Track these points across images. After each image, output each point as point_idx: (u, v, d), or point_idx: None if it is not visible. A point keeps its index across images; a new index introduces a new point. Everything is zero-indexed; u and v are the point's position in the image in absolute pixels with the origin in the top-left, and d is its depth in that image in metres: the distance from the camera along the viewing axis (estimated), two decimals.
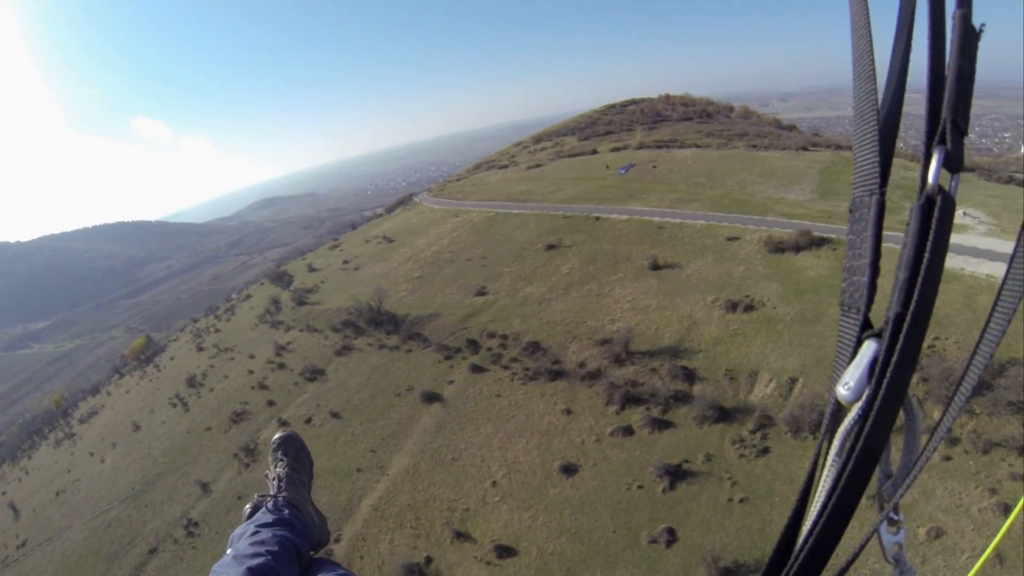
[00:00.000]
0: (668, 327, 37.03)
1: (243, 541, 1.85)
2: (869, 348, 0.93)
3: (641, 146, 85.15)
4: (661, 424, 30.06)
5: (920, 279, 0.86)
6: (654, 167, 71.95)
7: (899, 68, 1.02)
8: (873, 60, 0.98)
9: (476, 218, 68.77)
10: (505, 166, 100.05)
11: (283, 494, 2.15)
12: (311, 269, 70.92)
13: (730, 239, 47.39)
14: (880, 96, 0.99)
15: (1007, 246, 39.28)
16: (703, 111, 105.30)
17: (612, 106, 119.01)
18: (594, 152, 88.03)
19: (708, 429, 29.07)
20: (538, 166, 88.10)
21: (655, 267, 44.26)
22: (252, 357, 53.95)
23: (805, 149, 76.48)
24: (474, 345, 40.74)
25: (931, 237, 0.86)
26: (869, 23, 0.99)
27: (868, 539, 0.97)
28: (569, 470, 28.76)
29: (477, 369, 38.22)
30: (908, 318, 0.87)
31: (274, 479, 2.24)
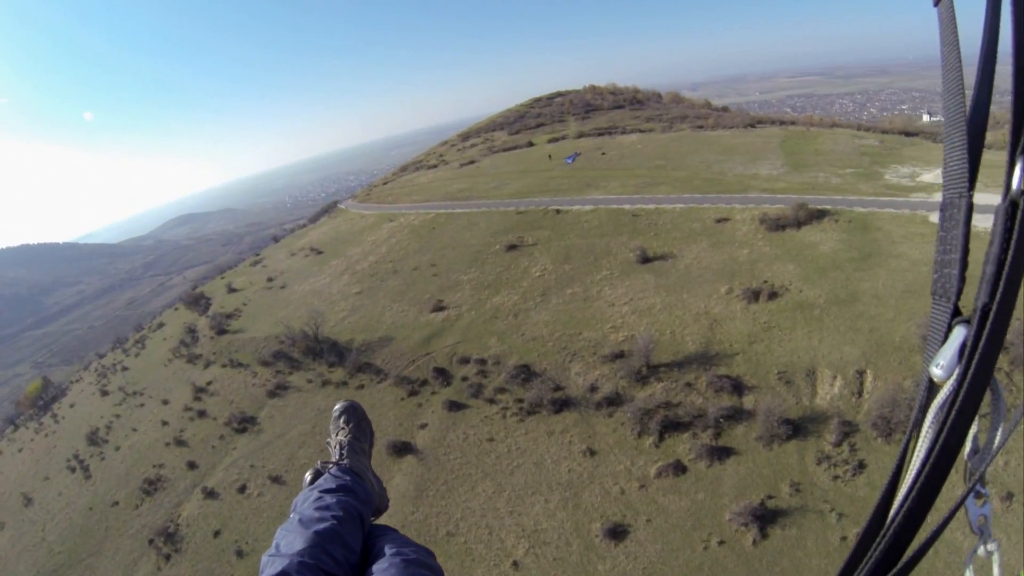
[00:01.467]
0: (685, 329, 32.02)
1: (307, 506, 1.90)
2: (959, 333, 1.04)
3: (580, 135, 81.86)
4: (718, 453, 24.45)
5: (1004, 274, 0.98)
6: (603, 154, 68.50)
7: (985, 80, 1.10)
8: (962, 73, 1.08)
9: (415, 221, 61.42)
10: (435, 165, 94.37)
11: (345, 461, 2.24)
12: (231, 290, 61.46)
13: (720, 220, 43.90)
14: (968, 106, 1.09)
15: (991, 199, 41.20)
16: (633, 99, 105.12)
17: (538, 99, 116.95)
18: (530, 144, 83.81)
19: (780, 450, 23.86)
20: (472, 163, 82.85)
21: (645, 259, 39.47)
22: (166, 403, 43.53)
23: (752, 126, 76.79)
24: (444, 375, 33.30)
25: (1014, 237, 0.99)
26: (957, 37, 1.08)
27: (956, 509, 1.06)
28: (616, 533, 22.19)
29: (455, 406, 30.80)
30: (994, 308, 0.98)
31: (336, 446, 2.32)
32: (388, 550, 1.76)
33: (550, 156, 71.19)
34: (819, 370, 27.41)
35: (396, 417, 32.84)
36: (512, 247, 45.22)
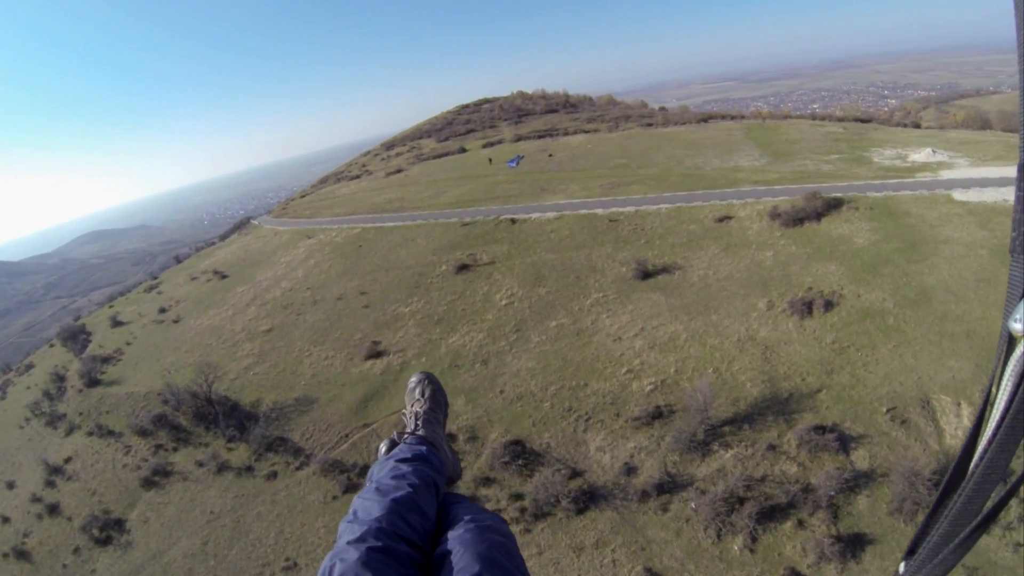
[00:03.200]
0: (732, 364, 24.07)
1: (384, 474, 1.97)
2: None
3: (518, 138, 74.38)
4: (848, 545, 16.38)
5: None
6: (550, 156, 61.11)
7: None
8: None
9: (337, 238, 50.65)
10: (358, 176, 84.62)
11: (420, 431, 2.33)
12: (116, 323, 49.84)
13: (721, 220, 37.09)
14: None
15: (995, 172, 38.26)
16: (566, 102, 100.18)
17: (465, 106, 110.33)
18: (462, 150, 75.31)
19: None
20: (399, 171, 73.73)
21: (645, 274, 31.54)
22: (11, 487, 30.68)
23: (705, 121, 72.92)
24: None
25: None
26: None
27: None
28: None
29: None
30: None
31: (411, 416, 2.42)
32: (463, 517, 1.80)
33: (490, 160, 62.93)
34: (934, 398, 20.22)
35: (326, 528, 22.47)
36: (464, 267, 36.00)
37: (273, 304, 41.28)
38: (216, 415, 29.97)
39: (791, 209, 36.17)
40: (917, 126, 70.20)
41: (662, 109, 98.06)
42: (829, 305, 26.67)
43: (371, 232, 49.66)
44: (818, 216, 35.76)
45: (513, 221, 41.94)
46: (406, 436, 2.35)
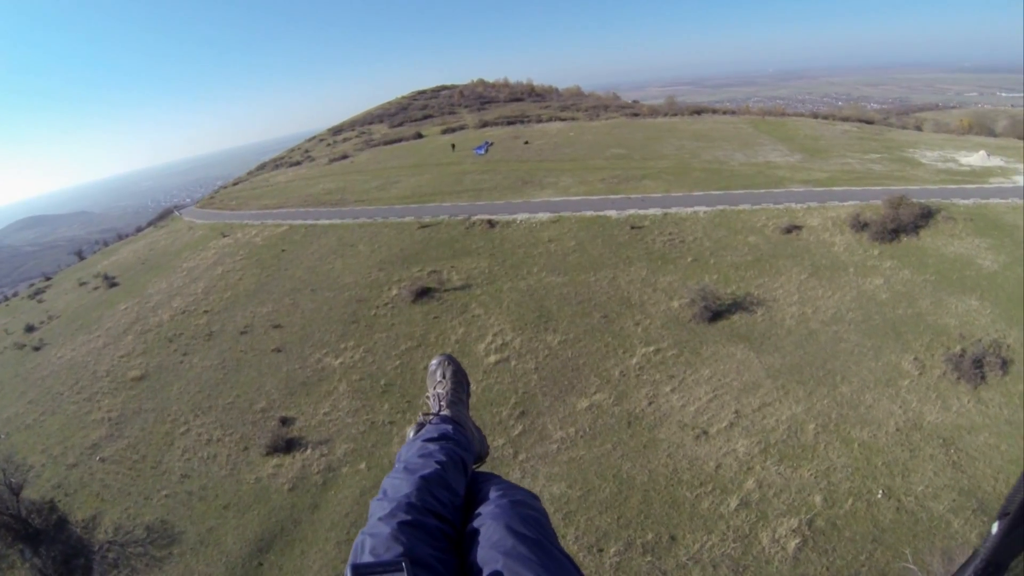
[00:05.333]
0: (909, 478, 12.76)
1: (412, 454, 1.96)
2: None
3: (483, 124, 62.22)
4: None
5: None
6: (526, 143, 49.36)
7: None
8: None
9: (257, 238, 37.55)
10: (298, 163, 70.71)
11: (445, 411, 2.29)
12: None
13: (790, 230, 26.37)
14: None
15: None
16: (531, 91, 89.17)
17: (422, 92, 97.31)
18: (419, 136, 62.19)
19: None
20: (345, 157, 60.50)
21: (714, 314, 20.56)
22: None
23: (697, 113, 63.57)
24: None
25: None
26: None
27: None
28: None
29: None
30: None
31: (435, 398, 2.37)
32: (494, 492, 1.78)
33: (453, 146, 50.46)
34: None
35: None
36: (424, 292, 23.60)
37: (156, 334, 27.94)
38: (30, 533, 16.86)
39: (880, 218, 26.08)
40: (919, 129, 63.37)
41: (635, 103, 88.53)
42: (1006, 364, 16.41)
43: (300, 232, 36.52)
44: (916, 228, 26.11)
45: (492, 224, 29.82)
46: (431, 417, 2.23)
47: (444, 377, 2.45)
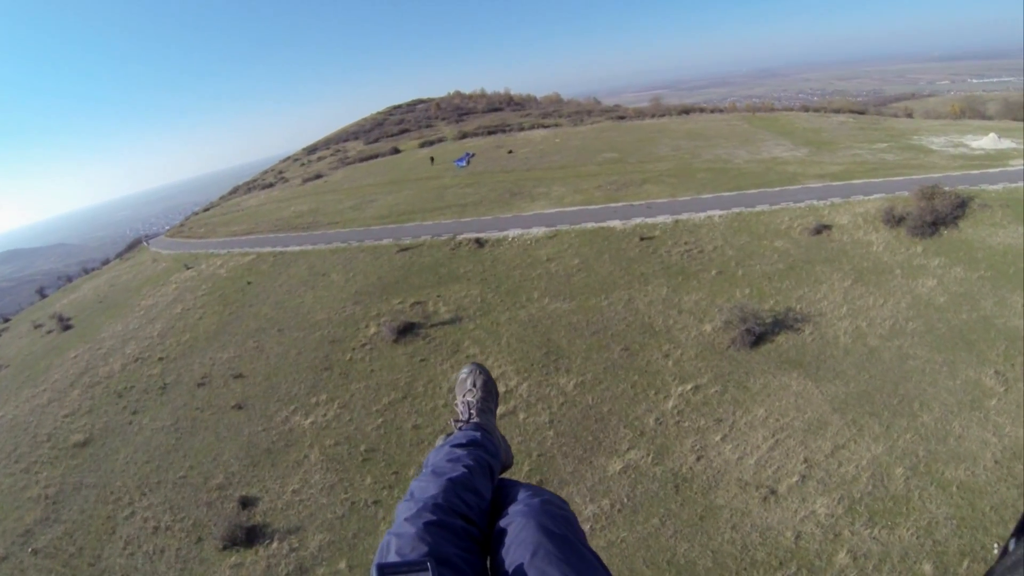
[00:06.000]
0: None
1: (440, 459, 1.97)
2: None
3: (463, 135, 59.08)
4: None
5: None
6: (509, 152, 46.28)
7: None
8: None
9: (222, 269, 33.90)
10: (271, 184, 67.12)
11: (475, 419, 2.32)
12: None
13: (819, 231, 23.33)
14: None
15: None
16: (510, 100, 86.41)
17: (398, 106, 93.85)
18: (396, 151, 58.74)
19: None
20: (318, 176, 57.05)
21: (756, 338, 17.24)
22: None
23: (686, 113, 61.09)
24: None
25: None
26: None
27: None
28: None
29: None
30: None
31: (464, 406, 2.40)
32: (523, 493, 1.79)
33: (432, 159, 47.16)
34: None
35: None
36: (407, 329, 20.09)
37: (105, 388, 24.10)
38: None
39: (917, 211, 23.33)
40: (910, 116, 61.63)
41: (617, 106, 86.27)
42: None
43: (267, 261, 32.94)
44: (955, 219, 23.45)
45: (480, 243, 26.45)
46: (460, 425, 2.30)
47: (475, 386, 2.44)
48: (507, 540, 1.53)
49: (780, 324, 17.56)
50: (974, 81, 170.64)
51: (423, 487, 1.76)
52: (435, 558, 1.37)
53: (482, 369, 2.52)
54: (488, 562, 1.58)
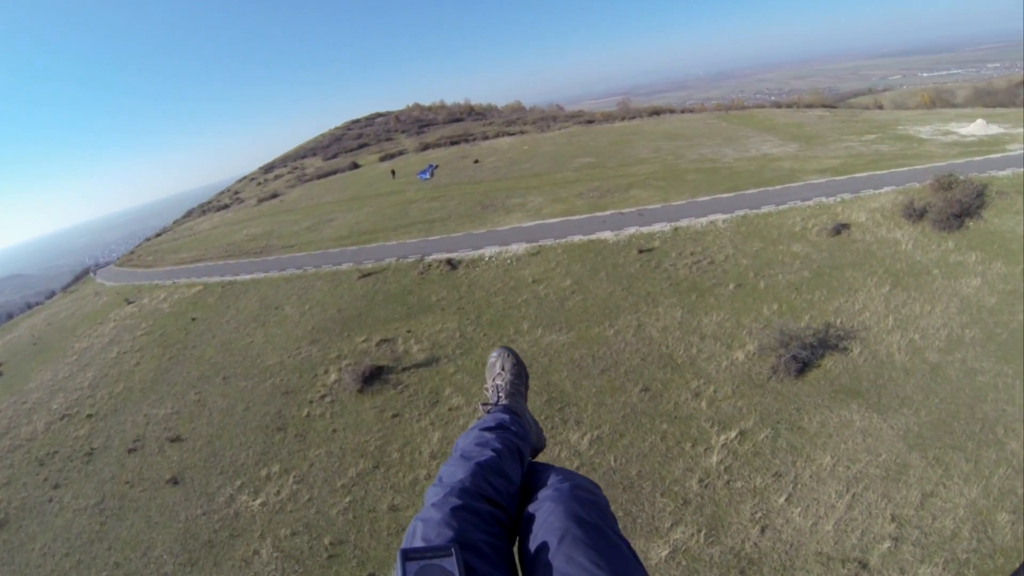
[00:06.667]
0: None
1: (468, 442, 1.95)
2: None
3: (424, 147, 55.90)
4: None
5: None
6: (475, 162, 43.21)
7: None
8: None
9: (166, 303, 30.05)
10: (226, 205, 63.18)
11: (504, 402, 2.29)
12: None
13: (837, 230, 20.98)
14: None
15: None
16: (470, 111, 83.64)
17: (356, 121, 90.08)
18: (355, 166, 55.15)
19: None
20: (275, 196, 53.40)
21: (801, 365, 14.11)
22: None
23: (656, 114, 59.22)
24: None
25: None
26: None
27: None
28: None
29: None
30: None
31: (493, 389, 2.37)
32: (554, 477, 1.74)
33: (393, 173, 43.67)
34: None
35: None
36: (373, 375, 16.46)
37: (26, 453, 20.08)
38: None
39: (940, 203, 21.20)
40: (881, 107, 61.26)
41: (581, 112, 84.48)
42: None
43: (215, 293, 29.18)
44: (979, 208, 21.51)
45: (453, 264, 23.15)
46: (488, 408, 2.25)
47: (503, 369, 2.41)
48: (535, 526, 1.48)
49: (823, 344, 14.78)
50: (925, 75, 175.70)
51: (451, 472, 1.71)
52: (460, 543, 1.33)
53: (511, 352, 2.45)
54: (516, 547, 1.53)
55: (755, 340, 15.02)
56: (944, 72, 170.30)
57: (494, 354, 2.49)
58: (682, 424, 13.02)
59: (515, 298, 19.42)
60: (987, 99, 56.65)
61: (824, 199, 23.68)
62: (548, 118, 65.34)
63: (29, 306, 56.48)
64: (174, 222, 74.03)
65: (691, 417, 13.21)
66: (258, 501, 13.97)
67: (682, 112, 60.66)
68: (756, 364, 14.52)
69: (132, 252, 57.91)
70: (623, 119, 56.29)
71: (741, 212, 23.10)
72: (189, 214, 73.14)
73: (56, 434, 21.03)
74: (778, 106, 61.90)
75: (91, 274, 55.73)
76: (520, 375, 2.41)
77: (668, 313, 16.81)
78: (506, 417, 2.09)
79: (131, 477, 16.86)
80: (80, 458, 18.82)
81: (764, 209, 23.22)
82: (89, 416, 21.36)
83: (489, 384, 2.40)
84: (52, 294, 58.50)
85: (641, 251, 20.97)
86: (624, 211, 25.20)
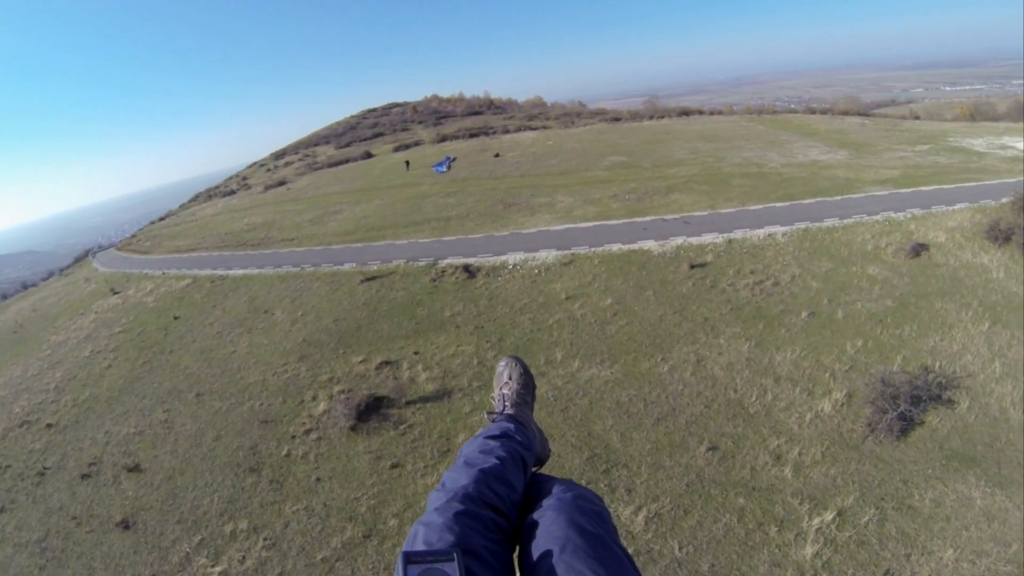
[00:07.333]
0: None
1: (472, 450, 1.94)
2: None
3: (442, 138, 52.93)
4: None
5: None
6: (496, 156, 40.21)
7: None
8: None
9: (151, 296, 27.65)
10: (233, 191, 60.73)
11: (509, 411, 2.26)
12: None
13: (916, 252, 17.87)
14: None
15: None
16: (489, 104, 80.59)
17: (372, 110, 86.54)
18: (368, 155, 52.27)
19: None
20: (282, 183, 50.63)
21: (906, 422, 11.59)
22: None
23: (686, 115, 56.09)
24: None
25: None
26: None
27: None
28: None
29: None
30: None
31: (500, 398, 2.35)
32: (557, 487, 1.75)
33: (407, 164, 40.84)
34: None
35: None
36: (370, 408, 13.51)
37: None
38: None
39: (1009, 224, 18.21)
40: (917, 118, 58.00)
41: (604, 110, 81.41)
42: None
43: (204, 288, 26.66)
44: None
45: (470, 272, 20.29)
46: (495, 416, 2.22)
47: (511, 378, 2.41)
48: (537, 534, 1.48)
49: (924, 393, 11.83)
50: (947, 89, 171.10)
51: (455, 477, 1.71)
52: (462, 549, 1.32)
53: (519, 361, 2.44)
54: (516, 555, 1.53)
55: (841, 385, 12.12)
56: (968, 87, 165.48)
57: (502, 363, 2.45)
58: (763, 499, 10.10)
59: (545, 318, 16.50)
60: None
61: (892, 214, 20.68)
62: (572, 114, 62.32)
63: (25, 286, 54.29)
64: (180, 206, 71.85)
65: (774, 489, 10.29)
66: (218, 568, 11.11)
67: (711, 114, 57.49)
68: (847, 418, 11.60)
69: (134, 236, 55.60)
70: (651, 118, 53.17)
71: (801, 225, 20.11)
72: (196, 198, 70.83)
73: (12, 444, 18.45)
74: (812, 111, 58.58)
75: (90, 257, 53.54)
76: (527, 385, 2.36)
77: (732, 346, 13.86)
78: (511, 426, 2.06)
79: (80, 512, 14.15)
80: (31, 477, 16.20)
81: (827, 222, 20.22)
82: (49, 426, 18.77)
83: (496, 393, 2.36)
84: (50, 275, 56.45)
85: (693, 266, 18.02)
86: (667, 217, 22.25)
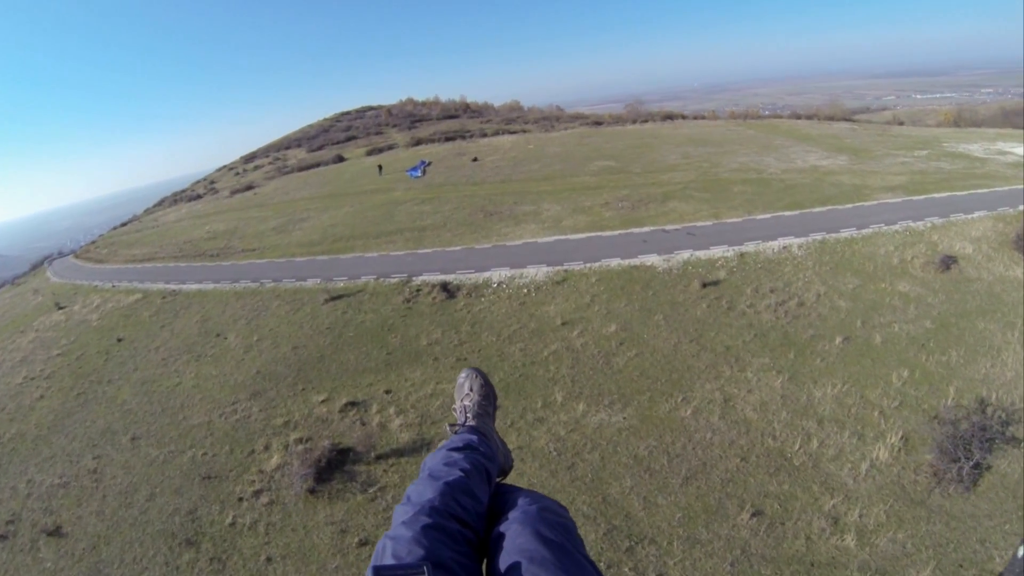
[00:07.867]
0: None
1: (436, 462, 1.92)
2: None
3: (416, 142, 50.75)
4: None
5: None
6: (475, 160, 38.30)
7: None
8: None
9: (96, 313, 25.14)
10: (199, 195, 57.95)
11: (471, 422, 2.25)
12: None
13: (945, 265, 16.34)
14: None
15: None
16: (466, 108, 78.58)
17: (346, 113, 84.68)
18: (340, 159, 49.63)
19: None
20: (250, 188, 48.24)
21: (975, 470, 10.04)
22: None
23: (670, 119, 54.86)
24: None
25: None
26: None
27: None
28: None
29: None
30: None
31: (461, 410, 2.35)
32: (522, 499, 1.73)
33: (380, 168, 38.49)
34: None
35: None
36: (332, 465, 11.48)
37: None
38: None
39: None
40: (901, 124, 57.93)
41: (582, 114, 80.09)
42: None
43: (154, 304, 24.12)
44: None
45: (449, 291, 18.16)
46: (457, 428, 2.21)
47: (471, 389, 2.41)
48: (504, 545, 1.48)
49: (994, 435, 10.09)
50: (919, 96, 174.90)
51: (420, 491, 1.69)
52: (431, 562, 1.33)
53: (479, 372, 2.45)
54: (484, 567, 1.53)
55: (894, 426, 10.33)
56: (938, 95, 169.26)
57: (463, 374, 2.46)
58: None
59: (539, 348, 14.40)
60: (1015, 120, 53.64)
61: (911, 223, 19.21)
62: (551, 118, 60.67)
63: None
64: (144, 211, 68.42)
65: (836, 563, 8.36)
66: None
67: (695, 118, 56.42)
68: (907, 467, 9.78)
69: (93, 243, 52.26)
70: (635, 122, 51.76)
71: (817, 236, 18.48)
72: (161, 203, 67.57)
73: None
74: (798, 116, 57.95)
75: (46, 265, 50.20)
76: (488, 396, 2.37)
77: (762, 380, 11.97)
78: (474, 438, 2.05)
79: None
80: None
81: (844, 233, 18.63)
82: None
83: (457, 404, 2.37)
84: (3, 284, 52.80)
85: (705, 284, 16.17)
86: (667, 228, 20.43)
